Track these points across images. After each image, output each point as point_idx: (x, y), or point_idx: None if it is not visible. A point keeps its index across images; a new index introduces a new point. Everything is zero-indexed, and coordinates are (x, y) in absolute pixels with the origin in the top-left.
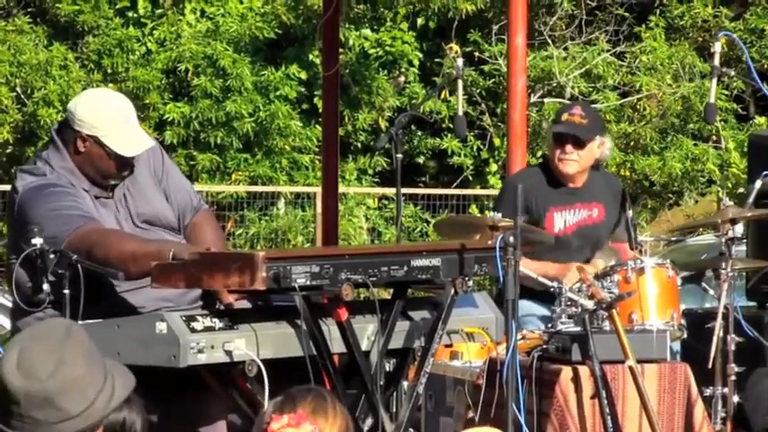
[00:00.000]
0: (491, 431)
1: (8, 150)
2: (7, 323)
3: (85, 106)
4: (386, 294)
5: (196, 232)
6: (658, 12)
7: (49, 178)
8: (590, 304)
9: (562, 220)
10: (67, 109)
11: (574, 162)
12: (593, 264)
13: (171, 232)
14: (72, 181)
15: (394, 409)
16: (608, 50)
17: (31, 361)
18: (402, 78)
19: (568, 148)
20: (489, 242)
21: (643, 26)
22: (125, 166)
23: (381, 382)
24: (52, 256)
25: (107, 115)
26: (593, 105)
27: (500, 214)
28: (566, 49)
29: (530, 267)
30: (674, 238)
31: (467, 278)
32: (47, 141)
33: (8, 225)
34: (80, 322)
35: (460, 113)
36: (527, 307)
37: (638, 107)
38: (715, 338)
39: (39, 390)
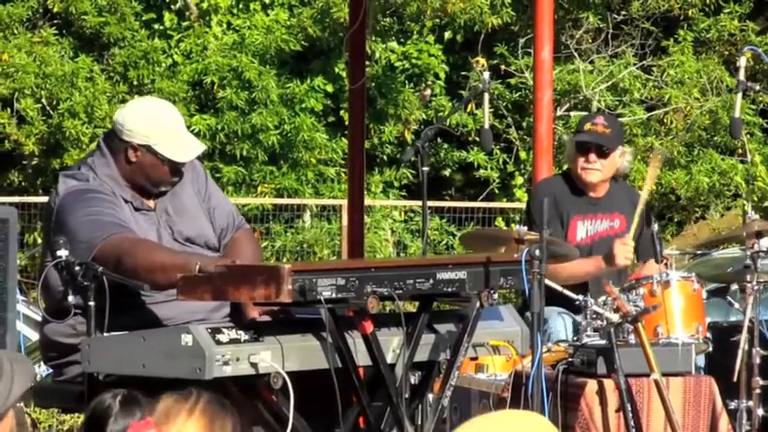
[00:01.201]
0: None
1: (34, 162)
2: (34, 335)
3: (135, 116)
4: (411, 307)
5: (233, 247)
6: (685, 25)
7: (91, 184)
8: (615, 317)
9: (584, 230)
10: (114, 120)
11: (597, 171)
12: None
13: (210, 252)
14: (114, 190)
15: (419, 422)
16: (634, 64)
17: None
18: (428, 91)
19: (592, 157)
20: (515, 255)
21: (671, 40)
22: (177, 172)
23: (407, 395)
24: (78, 268)
25: (158, 123)
26: (620, 119)
27: (525, 228)
28: (592, 62)
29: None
30: (699, 252)
31: (492, 291)
32: (94, 149)
33: (44, 229)
34: (106, 334)
35: (487, 126)
36: (554, 307)
37: (664, 121)
38: (740, 352)
39: None
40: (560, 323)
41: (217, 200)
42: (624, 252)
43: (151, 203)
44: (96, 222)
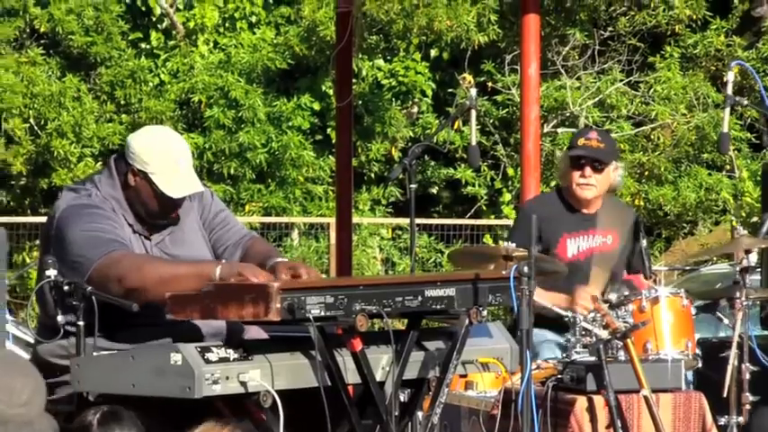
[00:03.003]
0: None
1: (21, 182)
2: (24, 356)
3: (141, 141)
4: (400, 325)
5: (249, 250)
6: (672, 41)
7: (93, 200)
8: (605, 334)
9: (575, 246)
10: (126, 140)
11: (592, 187)
12: (587, 291)
13: None
14: (116, 209)
15: None
16: (621, 80)
17: None
18: (415, 109)
19: (587, 171)
20: (503, 272)
21: (657, 56)
22: (171, 207)
23: (396, 413)
24: (66, 288)
25: (160, 153)
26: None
27: (514, 244)
28: (579, 78)
29: (540, 298)
30: (688, 268)
31: (481, 308)
32: (102, 168)
33: (41, 243)
34: (95, 353)
35: (474, 143)
36: (542, 334)
37: (651, 137)
38: (730, 367)
39: None
40: (549, 352)
41: (225, 216)
42: (584, 302)
43: (152, 235)
44: (96, 239)
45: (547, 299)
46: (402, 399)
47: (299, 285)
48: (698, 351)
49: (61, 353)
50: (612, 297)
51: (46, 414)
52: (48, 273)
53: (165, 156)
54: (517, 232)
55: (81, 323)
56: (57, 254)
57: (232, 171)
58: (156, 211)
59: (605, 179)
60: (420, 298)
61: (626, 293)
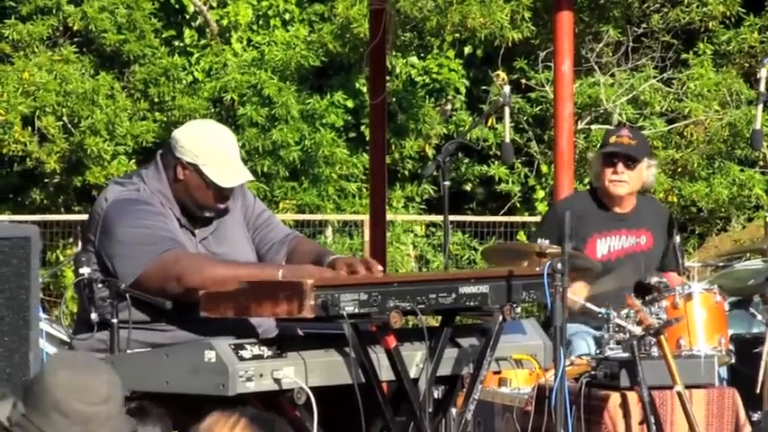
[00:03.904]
0: None
1: (55, 180)
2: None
3: (189, 135)
4: (434, 321)
5: (297, 248)
6: (705, 38)
7: (141, 195)
8: (638, 330)
9: (606, 246)
10: (172, 135)
11: (625, 183)
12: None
13: None
14: (164, 203)
15: None
16: (655, 77)
17: None
18: (449, 106)
19: (620, 167)
20: (537, 269)
21: (691, 53)
22: (222, 198)
23: (430, 410)
24: (100, 285)
25: (209, 145)
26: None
27: (545, 240)
28: (612, 75)
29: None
30: (721, 264)
31: (515, 305)
32: (151, 162)
33: (83, 234)
34: (129, 351)
35: (507, 140)
36: (576, 327)
37: (685, 133)
38: (763, 363)
39: None
40: (583, 345)
41: (268, 216)
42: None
43: (196, 230)
44: (149, 236)
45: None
46: (436, 396)
47: (334, 282)
48: (731, 347)
49: (99, 347)
50: (653, 280)
51: (124, 411)
52: (81, 270)
53: (215, 147)
54: (544, 228)
55: (115, 320)
56: (103, 247)
57: (265, 169)
58: (209, 203)
59: (638, 176)
60: (454, 295)
61: (662, 280)
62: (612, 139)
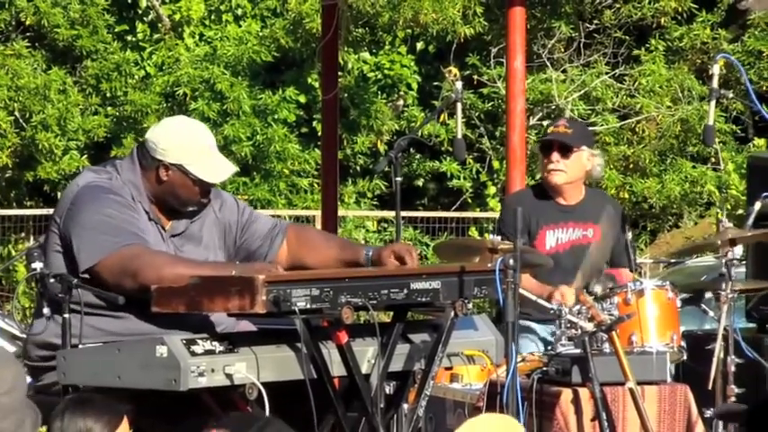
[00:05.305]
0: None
1: (7, 175)
2: (10, 348)
3: (169, 135)
4: (386, 317)
5: (301, 238)
6: (657, 34)
7: (113, 184)
8: (590, 326)
9: (554, 239)
10: (147, 138)
11: (561, 172)
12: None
13: None
14: (134, 195)
15: None
16: (607, 73)
17: None
18: (401, 102)
19: (554, 156)
20: (489, 265)
21: (642, 49)
22: (206, 192)
23: (382, 405)
24: (52, 280)
25: (192, 143)
26: (592, 128)
27: (499, 237)
28: (564, 71)
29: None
30: (673, 260)
31: (466, 301)
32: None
33: (53, 215)
34: (81, 346)
35: (459, 136)
36: (525, 325)
37: (636, 129)
38: (715, 360)
39: None
40: (532, 347)
41: (250, 211)
42: (567, 299)
43: (167, 224)
44: (112, 226)
45: (534, 288)
46: (387, 391)
47: (285, 278)
48: (683, 343)
49: (54, 341)
50: (597, 289)
51: (29, 401)
52: (33, 265)
53: (196, 145)
54: (505, 224)
55: (67, 315)
56: (66, 229)
57: None
58: (194, 200)
59: (575, 164)
60: (405, 291)
61: (611, 285)
62: (550, 129)
